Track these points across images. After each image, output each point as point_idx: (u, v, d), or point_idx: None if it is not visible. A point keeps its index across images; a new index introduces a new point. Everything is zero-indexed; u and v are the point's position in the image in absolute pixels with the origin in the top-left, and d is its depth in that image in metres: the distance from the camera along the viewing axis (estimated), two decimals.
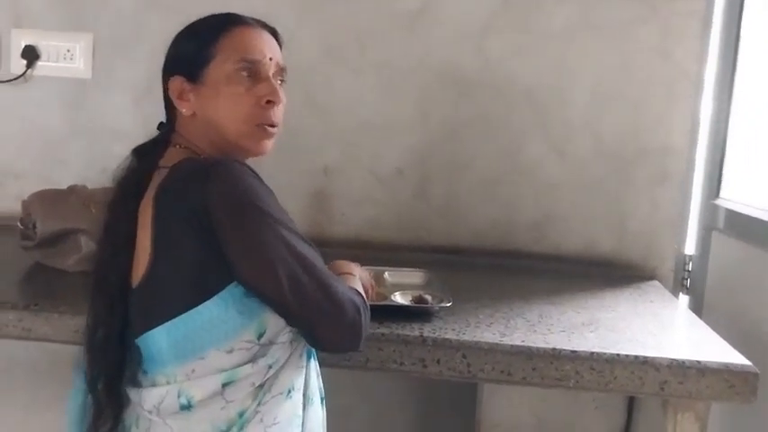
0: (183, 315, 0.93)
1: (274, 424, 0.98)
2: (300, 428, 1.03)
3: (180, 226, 0.92)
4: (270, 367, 0.97)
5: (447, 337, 1.23)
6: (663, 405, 1.27)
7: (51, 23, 2.00)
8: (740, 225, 1.67)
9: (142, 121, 1.99)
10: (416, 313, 1.33)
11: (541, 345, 1.22)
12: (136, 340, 0.99)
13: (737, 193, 1.78)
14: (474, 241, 1.93)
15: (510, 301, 1.49)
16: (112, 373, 1.00)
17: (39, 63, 1.99)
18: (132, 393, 1.00)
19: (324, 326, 0.98)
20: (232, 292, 0.94)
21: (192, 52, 1.04)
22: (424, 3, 1.89)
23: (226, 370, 0.94)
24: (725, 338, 1.32)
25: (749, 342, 1.38)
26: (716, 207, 1.80)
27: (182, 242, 0.92)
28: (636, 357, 1.19)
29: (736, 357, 1.21)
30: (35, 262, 1.57)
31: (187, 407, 0.94)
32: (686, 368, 1.18)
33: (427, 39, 1.89)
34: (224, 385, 0.94)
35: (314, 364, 1.09)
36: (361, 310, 1.01)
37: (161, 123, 1.11)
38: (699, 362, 1.18)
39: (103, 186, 1.76)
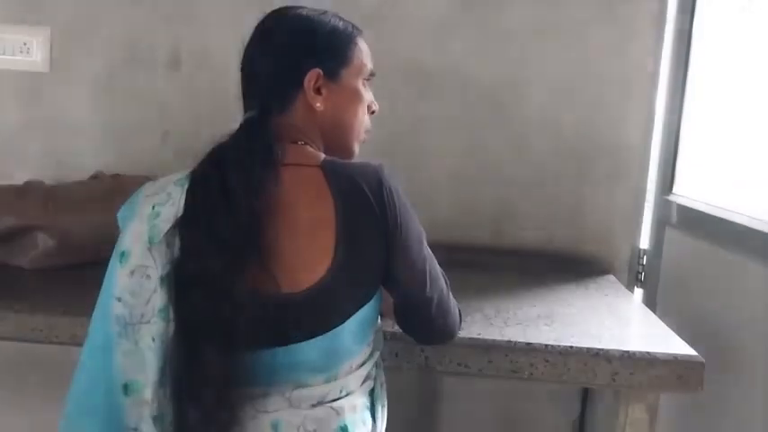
0: (353, 317, 0.97)
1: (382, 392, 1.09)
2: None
3: (369, 233, 0.96)
4: (373, 347, 1.07)
5: None
6: (615, 395, 1.31)
7: (7, 16, 1.95)
8: (692, 220, 1.72)
9: (100, 116, 1.97)
10: None
11: (497, 338, 1.24)
12: (271, 350, 0.93)
13: (690, 189, 1.83)
14: (434, 236, 1.93)
15: (468, 296, 1.50)
16: (227, 392, 0.91)
17: None
18: (266, 402, 0.94)
19: (442, 328, 1.10)
20: (379, 289, 1.02)
21: (334, 50, 1.04)
22: (386, 0, 1.90)
23: (366, 361, 1.03)
24: (676, 331, 1.35)
25: (699, 334, 1.42)
26: (669, 203, 1.84)
27: (367, 248, 0.97)
28: (588, 349, 1.22)
29: (684, 349, 1.25)
30: None
31: (345, 396, 0.99)
32: (637, 359, 1.21)
33: (389, 36, 1.90)
34: (368, 372, 1.03)
35: None
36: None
37: (261, 108, 1.02)
38: (648, 353, 1.22)
39: (62, 183, 1.74)
